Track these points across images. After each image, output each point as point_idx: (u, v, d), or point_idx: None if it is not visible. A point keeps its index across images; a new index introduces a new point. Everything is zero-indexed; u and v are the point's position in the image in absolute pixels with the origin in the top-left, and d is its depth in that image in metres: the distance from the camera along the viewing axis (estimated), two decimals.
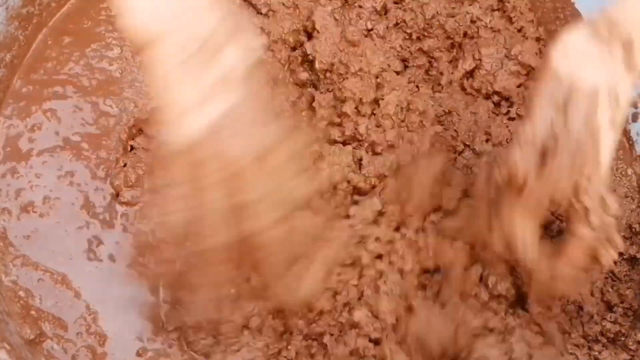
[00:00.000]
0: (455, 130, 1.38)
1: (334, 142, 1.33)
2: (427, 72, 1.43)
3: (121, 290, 1.25)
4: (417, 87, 1.39)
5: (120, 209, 1.30)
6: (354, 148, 1.32)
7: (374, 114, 1.35)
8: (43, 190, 1.29)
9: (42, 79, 1.35)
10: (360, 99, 1.34)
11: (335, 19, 1.39)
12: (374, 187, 1.29)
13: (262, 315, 1.24)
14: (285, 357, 1.22)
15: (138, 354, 1.22)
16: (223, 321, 1.22)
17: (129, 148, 1.34)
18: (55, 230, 1.27)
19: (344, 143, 1.33)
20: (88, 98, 1.35)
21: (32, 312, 1.21)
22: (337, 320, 1.23)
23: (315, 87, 1.39)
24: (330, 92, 1.37)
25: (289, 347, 1.22)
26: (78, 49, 1.37)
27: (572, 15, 1.42)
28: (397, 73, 1.38)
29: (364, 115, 1.35)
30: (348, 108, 1.34)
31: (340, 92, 1.35)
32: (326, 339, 1.23)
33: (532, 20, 1.46)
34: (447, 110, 1.39)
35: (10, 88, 1.33)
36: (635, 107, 1.39)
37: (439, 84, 1.43)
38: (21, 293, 1.22)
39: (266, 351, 1.22)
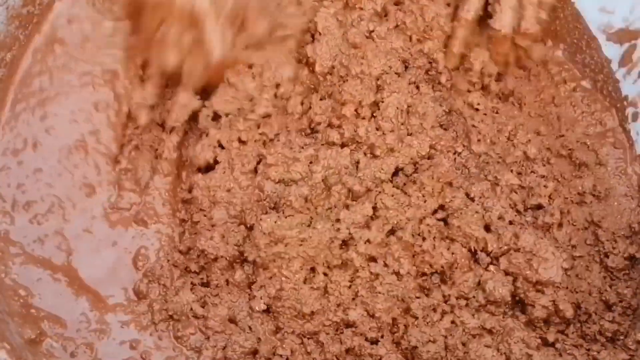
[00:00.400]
0: (454, 131, 1.38)
1: (332, 144, 1.34)
2: (427, 72, 1.43)
3: (119, 286, 1.27)
4: (418, 87, 1.38)
5: (122, 205, 1.32)
6: (352, 150, 1.32)
7: (374, 117, 1.35)
8: (44, 189, 1.30)
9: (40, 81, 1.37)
10: (360, 102, 1.34)
11: (338, 20, 1.39)
12: (369, 190, 1.30)
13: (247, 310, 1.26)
14: (280, 355, 1.24)
15: (132, 347, 1.24)
16: (209, 316, 1.24)
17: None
18: (54, 228, 1.29)
19: (342, 145, 1.34)
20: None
21: (32, 311, 1.23)
22: (332, 320, 1.24)
23: (315, 90, 1.39)
24: (329, 96, 1.37)
25: (284, 345, 1.24)
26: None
27: (572, 15, 1.42)
28: (398, 75, 1.37)
29: (363, 118, 1.34)
30: (347, 111, 1.34)
31: (340, 95, 1.35)
32: (322, 337, 1.24)
33: None
34: (447, 110, 1.39)
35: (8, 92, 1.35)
36: (635, 107, 1.39)
37: (439, 83, 1.43)
38: (21, 291, 1.24)
39: (259, 347, 1.24)
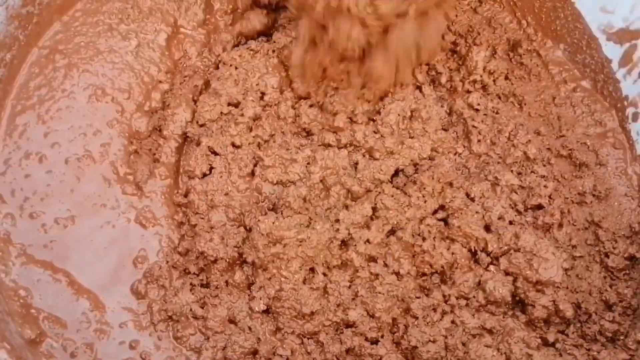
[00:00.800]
0: (455, 132, 1.38)
1: (328, 145, 1.34)
2: (427, 72, 1.43)
3: (119, 286, 1.28)
4: (420, 89, 1.38)
5: (123, 208, 1.32)
6: (349, 152, 1.32)
7: (373, 120, 1.35)
8: (54, 204, 1.30)
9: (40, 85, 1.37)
10: (353, 111, 1.35)
11: None
12: (368, 190, 1.30)
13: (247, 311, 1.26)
14: (280, 355, 1.24)
15: (131, 347, 1.24)
16: (209, 317, 1.25)
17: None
18: (58, 233, 1.29)
19: (339, 147, 1.34)
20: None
21: (32, 311, 1.23)
22: (332, 320, 1.24)
23: (306, 97, 1.39)
24: (320, 106, 1.37)
25: (284, 346, 1.24)
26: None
27: (572, 15, 1.42)
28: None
29: (360, 123, 1.35)
30: (340, 121, 1.34)
31: (331, 105, 1.35)
32: (322, 337, 1.24)
33: None
34: (447, 111, 1.40)
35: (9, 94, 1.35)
36: (636, 107, 1.39)
37: (439, 84, 1.43)
38: (21, 292, 1.24)
39: (258, 347, 1.24)
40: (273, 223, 1.22)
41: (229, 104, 1.37)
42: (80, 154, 1.33)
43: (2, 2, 1.28)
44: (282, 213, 1.26)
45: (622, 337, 1.26)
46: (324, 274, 1.25)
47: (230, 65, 1.39)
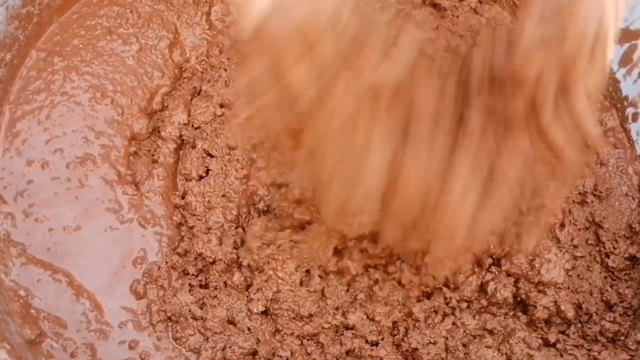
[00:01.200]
0: None
1: None
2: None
3: (118, 286, 1.27)
4: None
5: (123, 208, 1.32)
6: None
7: None
8: (45, 190, 1.30)
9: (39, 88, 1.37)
10: None
11: None
12: None
13: (246, 312, 1.26)
14: (280, 356, 1.23)
15: (131, 348, 1.24)
16: (208, 317, 1.24)
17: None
18: (60, 236, 1.29)
19: None
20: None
21: (32, 311, 1.23)
22: (331, 323, 1.24)
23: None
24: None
25: (284, 347, 1.23)
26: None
27: None
28: None
29: None
30: None
31: None
32: (322, 338, 1.24)
33: None
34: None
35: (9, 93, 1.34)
36: (636, 107, 1.39)
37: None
38: (21, 292, 1.23)
39: (258, 348, 1.24)
40: (266, 224, 1.22)
41: (221, 106, 1.36)
42: (82, 158, 1.33)
43: (2, 2, 1.28)
44: (275, 215, 1.26)
45: (622, 338, 1.26)
46: (320, 277, 1.25)
47: (220, 68, 1.39)
